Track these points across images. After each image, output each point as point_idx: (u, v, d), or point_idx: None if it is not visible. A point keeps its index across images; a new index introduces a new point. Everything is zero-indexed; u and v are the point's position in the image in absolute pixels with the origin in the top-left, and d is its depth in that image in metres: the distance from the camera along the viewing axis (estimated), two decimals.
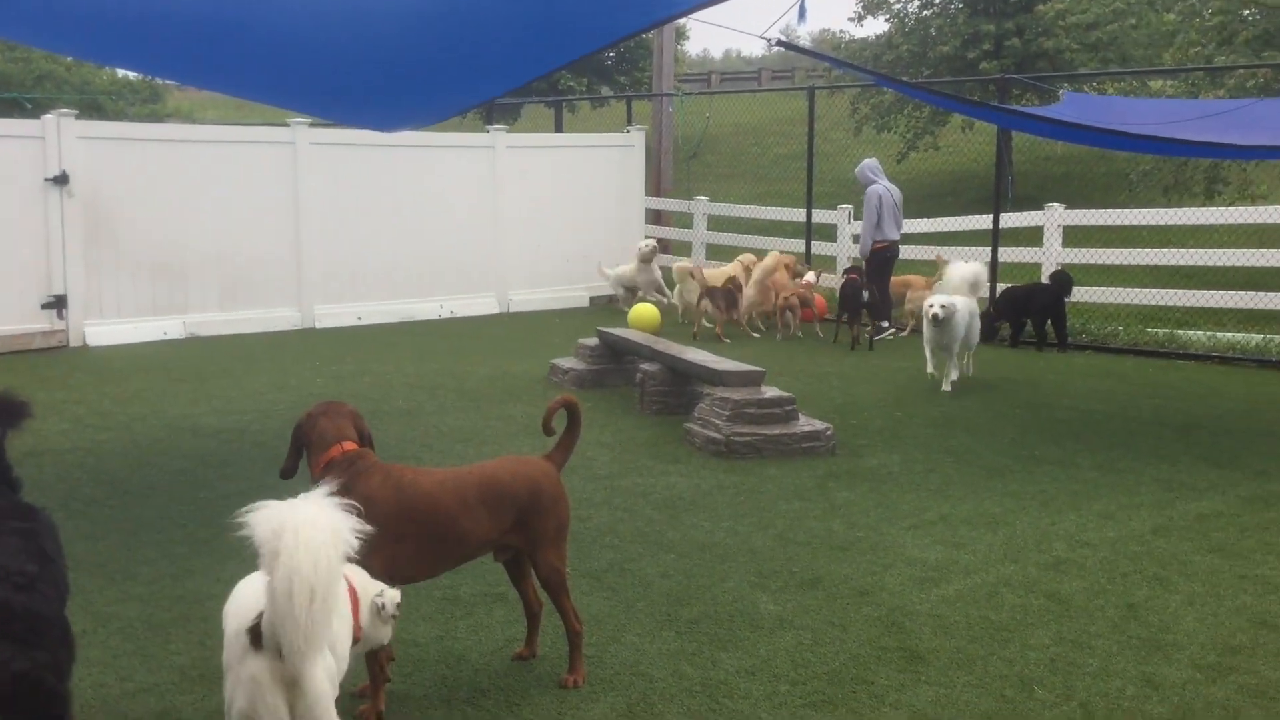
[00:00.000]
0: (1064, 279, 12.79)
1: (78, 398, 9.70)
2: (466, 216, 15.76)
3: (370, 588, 3.72)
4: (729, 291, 13.42)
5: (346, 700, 3.85)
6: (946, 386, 10.24)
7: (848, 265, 14.18)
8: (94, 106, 28.13)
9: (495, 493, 4.32)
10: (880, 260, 13.43)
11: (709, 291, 13.47)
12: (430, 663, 4.61)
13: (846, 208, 15.75)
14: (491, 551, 4.46)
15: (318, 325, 14.35)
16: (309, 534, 3.00)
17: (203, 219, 13.60)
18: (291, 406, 9.39)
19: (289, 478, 4.33)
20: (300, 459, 4.33)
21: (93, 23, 6.95)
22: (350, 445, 4.21)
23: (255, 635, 3.11)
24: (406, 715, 4.13)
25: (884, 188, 13.38)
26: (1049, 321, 12.67)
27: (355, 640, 3.60)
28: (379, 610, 3.69)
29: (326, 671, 3.20)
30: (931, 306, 10.19)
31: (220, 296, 13.85)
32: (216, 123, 22.95)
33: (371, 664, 4.09)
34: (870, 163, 13.83)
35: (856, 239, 14.25)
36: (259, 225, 14.02)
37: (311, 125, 14.42)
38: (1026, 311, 12.82)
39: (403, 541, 4.08)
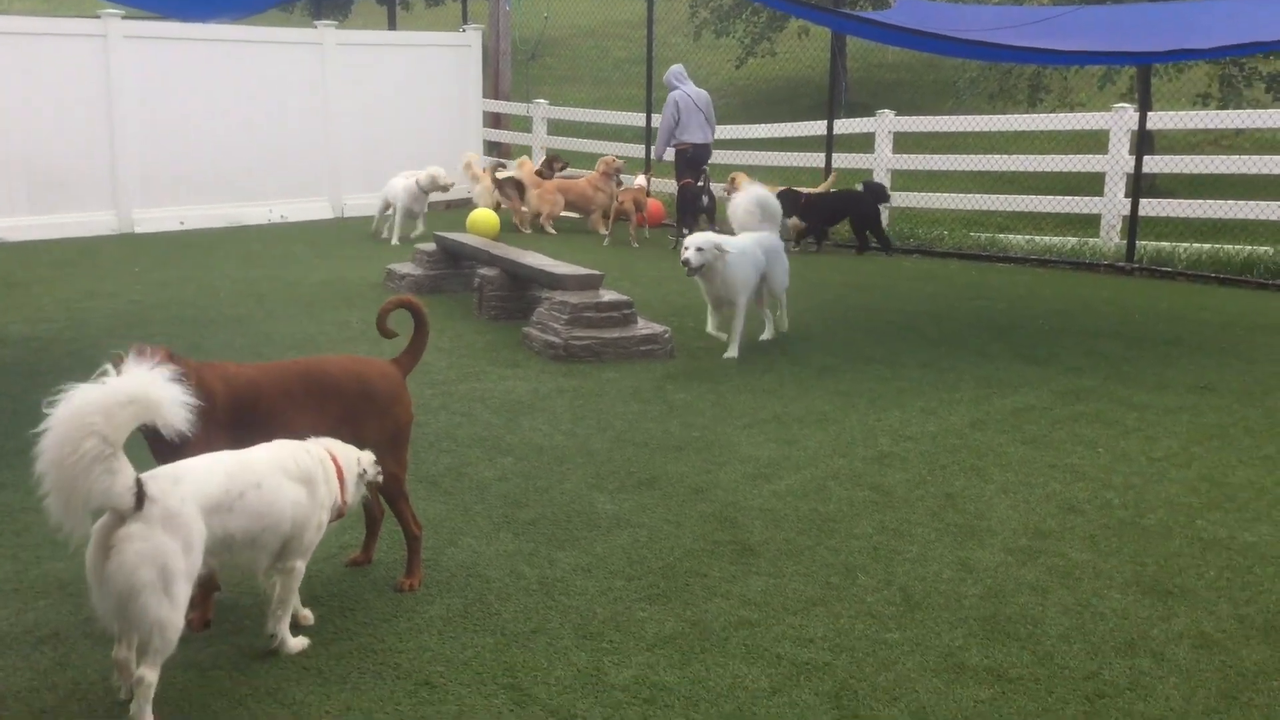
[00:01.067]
0: (877, 188, 13.23)
1: None
2: (296, 117, 15.19)
3: (350, 455, 3.97)
4: (518, 182, 14.06)
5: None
6: (732, 352, 8.18)
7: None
8: None
9: (320, 384, 4.23)
10: (683, 162, 13.69)
11: (499, 184, 14.04)
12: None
13: None
14: None
15: (137, 230, 13.72)
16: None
17: (7, 117, 12.77)
18: (109, 315, 8.98)
19: None
20: None
21: None
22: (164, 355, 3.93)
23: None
24: (237, 624, 4.06)
25: (683, 93, 13.57)
26: (866, 229, 13.05)
27: (340, 515, 3.95)
28: (362, 476, 4.01)
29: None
30: (686, 250, 8.19)
31: (30, 199, 13.11)
32: (24, 14, 21.43)
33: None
34: (675, 69, 13.96)
35: None
36: (69, 124, 13.26)
37: (125, 17, 13.61)
38: (839, 218, 13.18)
39: (238, 433, 3.95)
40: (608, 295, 8.41)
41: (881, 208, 13.26)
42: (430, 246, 10.59)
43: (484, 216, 13.03)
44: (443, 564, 4.63)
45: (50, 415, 3.10)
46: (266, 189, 15.00)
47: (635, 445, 6.18)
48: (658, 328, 8.33)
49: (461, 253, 10.22)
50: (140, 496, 3.25)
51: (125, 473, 3.21)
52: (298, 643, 3.86)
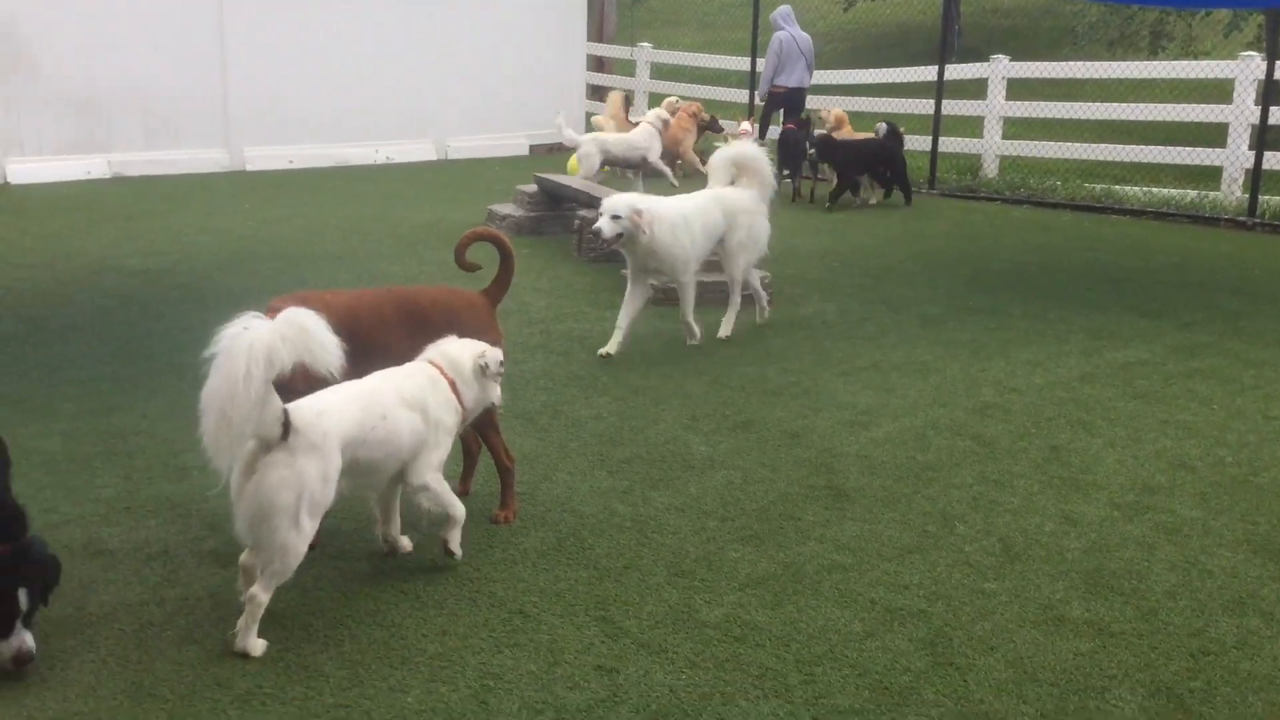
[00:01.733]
0: (895, 130, 12.44)
1: None
2: (403, 59, 15.29)
3: (463, 356, 3.99)
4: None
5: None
6: (696, 342, 6.87)
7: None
8: None
9: (410, 312, 4.27)
10: (775, 104, 13.60)
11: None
12: (362, 501, 4.59)
13: None
14: None
15: (247, 168, 13.98)
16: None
17: (124, 55, 13.07)
18: (218, 249, 9.18)
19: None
20: None
21: None
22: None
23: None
24: (337, 546, 4.14)
25: (788, 35, 13.40)
26: (888, 175, 12.36)
27: (462, 419, 4.00)
28: (484, 370, 4.00)
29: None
30: (600, 218, 6.54)
31: (145, 136, 13.43)
32: None
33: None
34: (782, 10, 13.78)
35: None
36: (185, 61, 13.51)
37: None
38: (873, 167, 12.33)
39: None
40: None
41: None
42: (531, 188, 10.60)
43: None
44: (538, 498, 4.66)
45: (220, 350, 3.22)
46: (372, 130, 15.16)
47: (731, 389, 6.14)
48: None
49: (562, 194, 10.22)
50: (287, 427, 3.39)
51: (275, 404, 3.35)
52: (455, 539, 4.00)
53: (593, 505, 4.61)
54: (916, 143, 14.05)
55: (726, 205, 7.05)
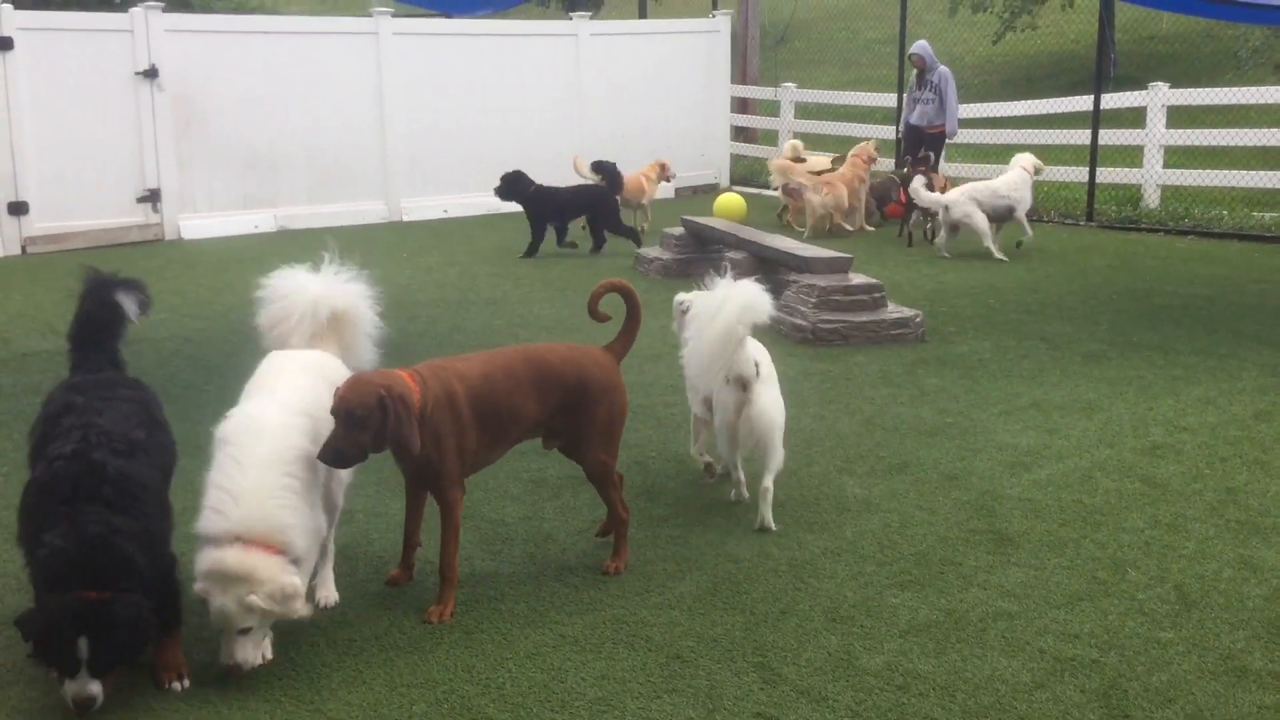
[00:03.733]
0: (610, 171, 11.74)
1: (174, 289, 9.91)
2: (551, 106, 15.61)
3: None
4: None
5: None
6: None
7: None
8: (180, 1, 28.20)
9: (541, 372, 4.27)
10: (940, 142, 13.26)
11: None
12: (519, 541, 4.67)
13: None
14: (541, 436, 4.43)
15: (405, 218, 14.44)
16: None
17: (290, 112, 13.68)
18: (378, 296, 9.47)
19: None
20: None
21: None
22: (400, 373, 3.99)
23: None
24: (496, 590, 4.21)
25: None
26: (605, 226, 11.57)
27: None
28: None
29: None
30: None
31: (309, 190, 13.98)
32: (301, 14, 22.91)
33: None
34: (926, 45, 13.32)
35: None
36: (344, 118, 14.06)
37: (394, 15, 14.34)
38: (574, 214, 11.69)
39: (481, 423, 4.09)
40: (857, 279, 8.27)
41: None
42: (678, 230, 10.68)
43: (731, 200, 13.03)
44: (692, 542, 4.66)
45: (715, 308, 4.65)
46: None
47: (885, 430, 6.05)
48: (908, 311, 8.12)
49: (708, 237, 10.27)
50: (758, 365, 4.75)
51: (748, 350, 4.74)
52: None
53: (747, 549, 4.58)
54: (1073, 174, 13.70)
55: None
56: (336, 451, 3.74)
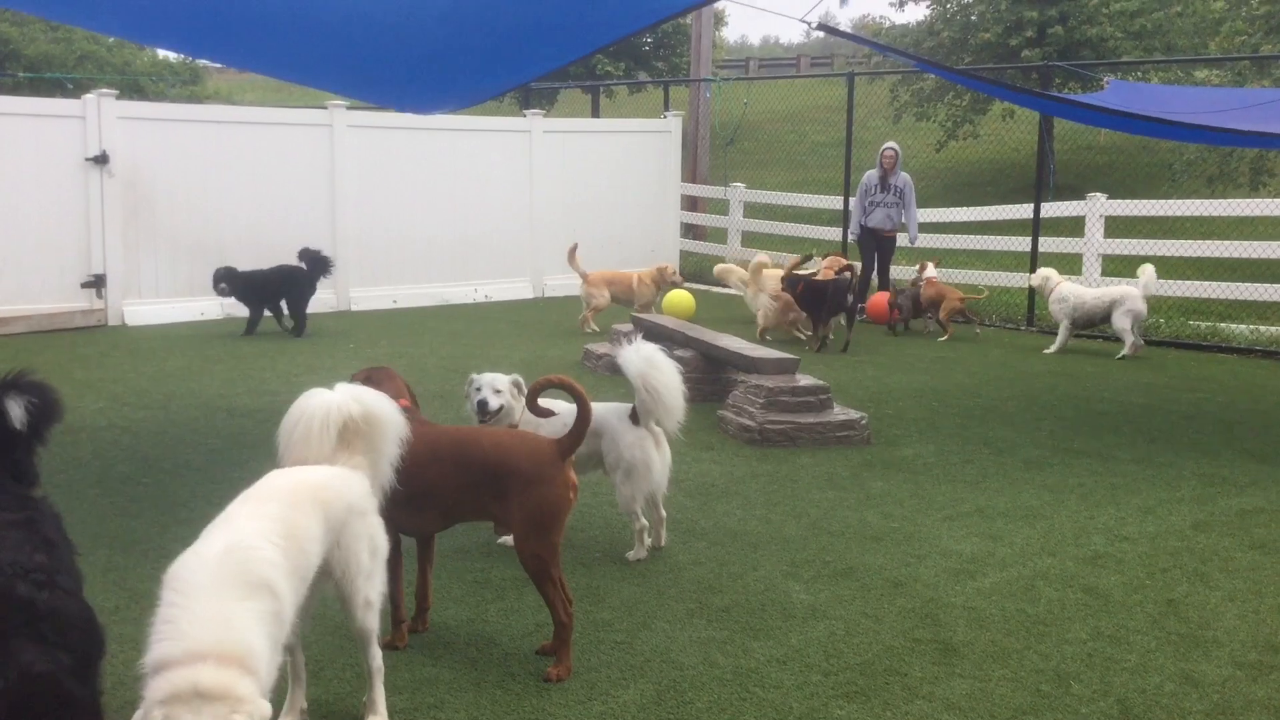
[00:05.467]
0: (316, 258, 12.39)
1: (115, 376, 9.77)
2: (502, 200, 15.75)
3: None
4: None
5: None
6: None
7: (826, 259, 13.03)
8: (135, 88, 28.31)
9: (464, 452, 4.36)
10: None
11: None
12: (460, 645, 4.59)
13: None
14: (485, 520, 4.63)
15: (353, 308, 14.40)
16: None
17: (240, 201, 13.67)
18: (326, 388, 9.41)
19: None
20: None
21: (135, 2, 6.97)
22: (405, 402, 4.52)
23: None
24: (436, 697, 4.12)
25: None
26: (288, 303, 12.34)
27: None
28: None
29: None
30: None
31: None
32: (256, 104, 23.02)
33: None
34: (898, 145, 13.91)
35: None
36: (296, 208, 14.08)
37: (349, 108, 14.46)
38: (272, 297, 12.36)
39: (403, 482, 4.14)
40: (804, 380, 8.34)
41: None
42: (627, 327, 10.74)
43: (680, 297, 13.15)
44: (637, 647, 4.60)
45: (653, 361, 5.35)
46: (472, 269, 15.56)
47: (831, 534, 6.05)
48: (854, 414, 8.19)
49: (657, 334, 10.31)
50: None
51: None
52: None
53: (692, 656, 4.53)
54: (1014, 279, 13.99)
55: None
56: None
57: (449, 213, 15.28)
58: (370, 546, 3.83)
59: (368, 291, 14.62)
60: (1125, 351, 11.50)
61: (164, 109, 14.96)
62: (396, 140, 14.74)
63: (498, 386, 5.74)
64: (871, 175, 13.70)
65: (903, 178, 13.53)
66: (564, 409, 5.13)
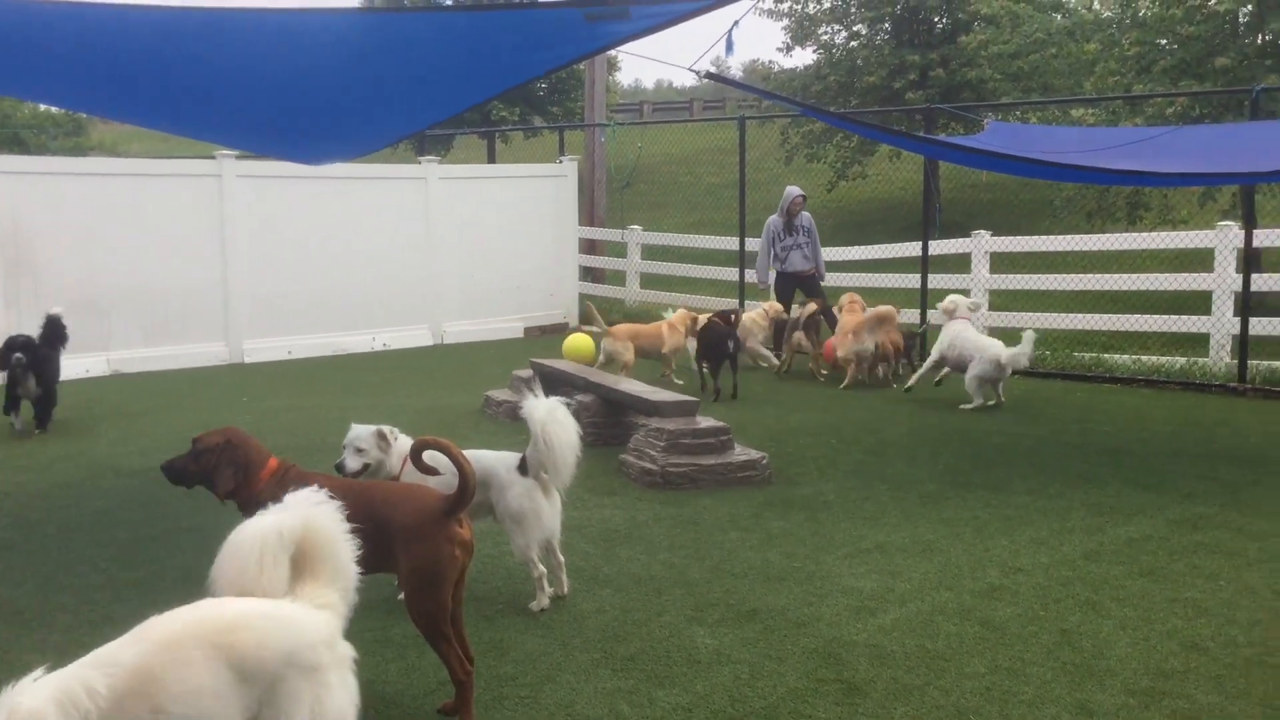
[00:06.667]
0: (53, 328, 10.25)
1: None
2: (399, 248, 15.64)
3: None
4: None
5: None
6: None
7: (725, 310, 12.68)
8: (15, 140, 27.58)
9: (356, 503, 4.02)
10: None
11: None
12: (360, 705, 4.48)
13: None
14: (388, 573, 4.55)
15: (246, 360, 14.13)
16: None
17: (126, 254, 13.36)
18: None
19: (233, 498, 4.75)
20: (236, 480, 4.72)
21: (15, 57, 6.78)
22: (274, 460, 4.75)
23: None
24: None
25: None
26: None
27: None
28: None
29: None
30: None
31: (145, 333, 13.59)
32: (142, 156, 22.57)
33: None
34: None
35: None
36: (185, 259, 13.80)
37: (238, 158, 14.24)
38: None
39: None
40: (704, 422, 8.39)
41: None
42: (526, 372, 10.70)
43: (580, 341, 13.14)
44: (541, 701, 4.55)
45: (553, 416, 5.55)
46: (370, 318, 15.39)
47: (734, 576, 6.08)
48: (755, 454, 8.26)
49: (557, 379, 10.30)
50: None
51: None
52: None
53: (598, 708, 4.50)
54: (904, 316, 14.26)
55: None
56: (174, 468, 4.83)
57: (344, 261, 15.11)
58: (313, 713, 2.99)
59: (261, 343, 14.36)
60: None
61: (44, 162, 14.58)
62: (289, 189, 14.54)
63: (360, 445, 5.64)
64: (775, 221, 13.78)
65: (805, 217, 13.74)
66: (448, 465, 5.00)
